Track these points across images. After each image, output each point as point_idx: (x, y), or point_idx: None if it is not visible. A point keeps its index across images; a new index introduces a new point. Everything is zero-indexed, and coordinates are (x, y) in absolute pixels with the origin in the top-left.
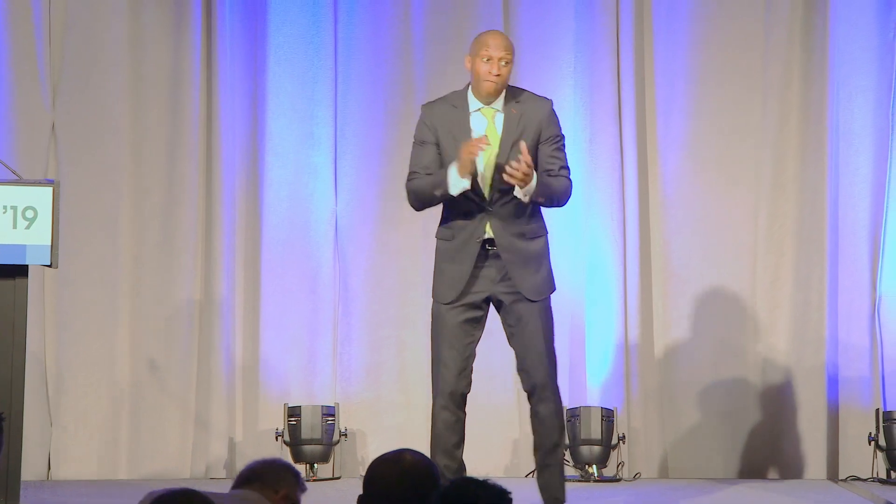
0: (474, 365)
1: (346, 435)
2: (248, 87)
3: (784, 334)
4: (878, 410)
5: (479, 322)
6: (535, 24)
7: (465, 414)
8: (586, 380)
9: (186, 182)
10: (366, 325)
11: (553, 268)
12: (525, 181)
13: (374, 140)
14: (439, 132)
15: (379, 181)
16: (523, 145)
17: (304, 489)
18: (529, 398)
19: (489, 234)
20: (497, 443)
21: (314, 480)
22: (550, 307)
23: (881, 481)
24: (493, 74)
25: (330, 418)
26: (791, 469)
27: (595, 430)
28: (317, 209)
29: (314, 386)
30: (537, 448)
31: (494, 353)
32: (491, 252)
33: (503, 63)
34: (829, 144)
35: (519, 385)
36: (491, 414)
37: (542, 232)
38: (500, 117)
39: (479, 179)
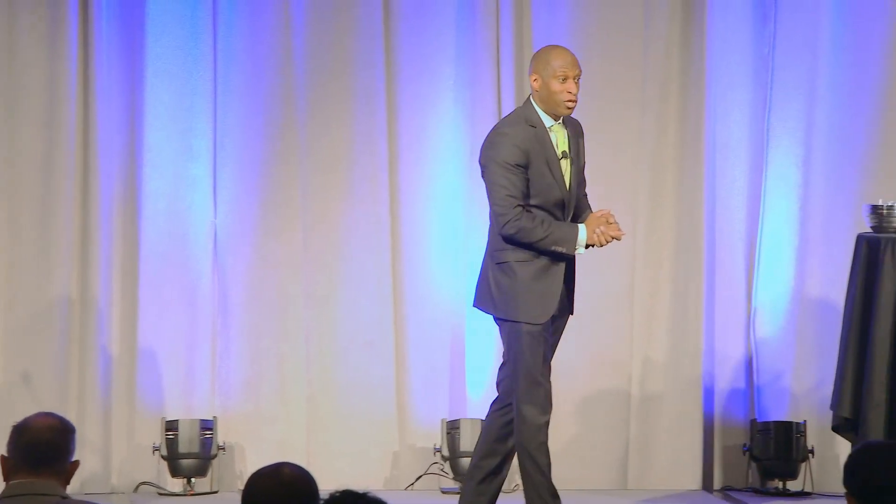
0: (354, 377)
1: (224, 448)
2: (126, 98)
3: (662, 346)
4: (752, 421)
5: None
6: (416, 37)
7: None
8: (466, 391)
9: (62, 195)
10: (245, 337)
11: (434, 276)
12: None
13: (254, 152)
14: (531, 154)
15: (259, 193)
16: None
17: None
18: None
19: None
20: (377, 455)
21: (191, 495)
22: None
23: (755, 491)
24: (572, 94)
25: (208, 432)
26: (667, 479)
27: (475, 442)
28: (195, 221)
29: (192, 399)
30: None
31: (375, 367)
32: (567, 268)
33: (576, 80)
34: (706, 158)
35: (400, 398)
36: (370, 426)
37: None
38: (563, 134)
39: (566, 200)
